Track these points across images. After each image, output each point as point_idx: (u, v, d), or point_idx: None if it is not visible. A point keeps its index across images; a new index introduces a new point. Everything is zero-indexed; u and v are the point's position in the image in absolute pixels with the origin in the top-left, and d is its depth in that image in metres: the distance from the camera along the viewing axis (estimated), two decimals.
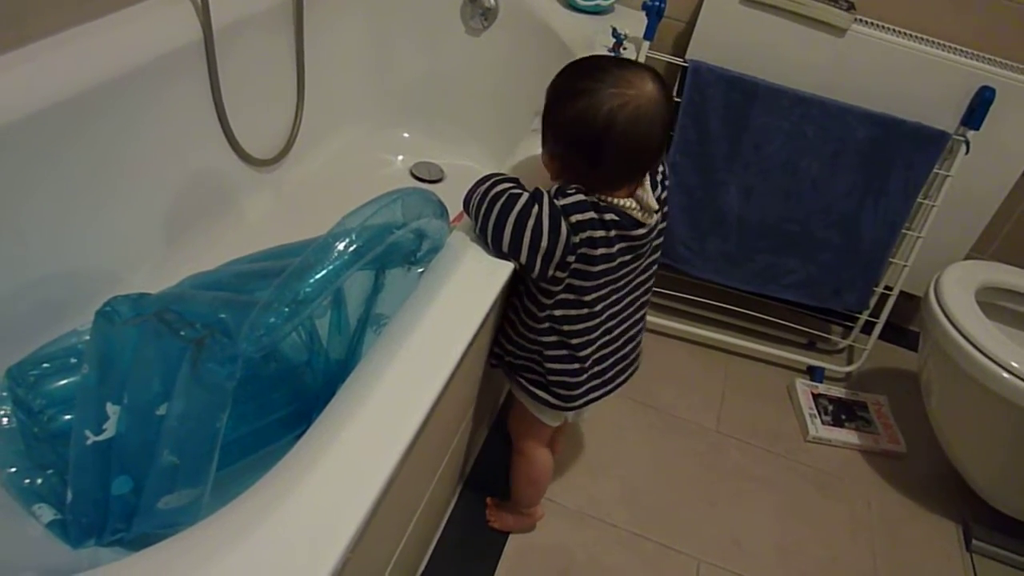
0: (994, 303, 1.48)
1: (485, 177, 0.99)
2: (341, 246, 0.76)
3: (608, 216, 0.92)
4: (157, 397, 0.80)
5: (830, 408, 1.67)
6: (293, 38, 1.55)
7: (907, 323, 1.95)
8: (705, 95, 1.54)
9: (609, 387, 1.11)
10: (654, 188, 0.98)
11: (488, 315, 0.92)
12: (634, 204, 0.94)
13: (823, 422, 1.63)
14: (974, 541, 1.47)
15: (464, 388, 1.08)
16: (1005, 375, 1.28)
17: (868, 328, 1.74)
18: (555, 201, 0.92)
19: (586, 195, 0.92)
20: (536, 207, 0.91)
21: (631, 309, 1.07)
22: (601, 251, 0.94)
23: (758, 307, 1.78)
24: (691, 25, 1.62)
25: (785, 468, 1.55)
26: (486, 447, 1.44)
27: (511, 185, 0.95)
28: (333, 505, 0.66)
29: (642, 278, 1.05)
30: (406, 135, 1.89)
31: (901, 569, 1.42)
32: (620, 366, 1.11)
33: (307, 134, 1.66)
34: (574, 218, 0.91)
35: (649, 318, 1.71)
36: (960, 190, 1.58)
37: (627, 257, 0.98)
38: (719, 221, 1.64)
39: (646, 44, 1.53)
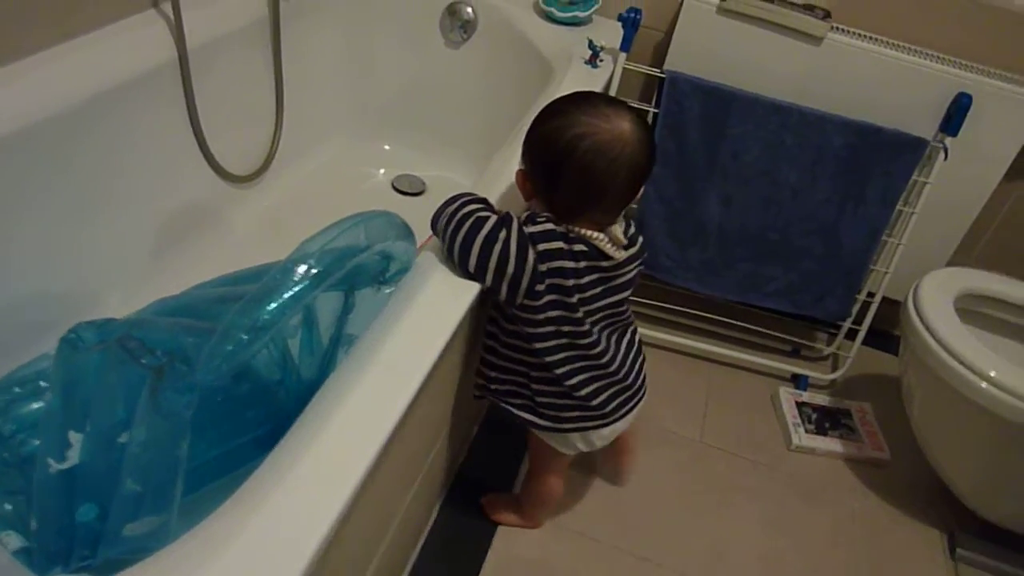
0: (974, 310, 1.48)
1: (453, 197, 0.99)
2: (301, 270, 0.76)
3: (577, 247, 0.93)
4: (119, 425, 0.80)
5: (814, 416, 1.66)
6: (271, 54, 1.56)
7: (892, 328, 1.94)
8: (682, 105, 1.54)
9: (612, 419, 1.10)
10: (625, 226, 0.99)
11: (455, 333, 0.91)
12: (602, 236, 0.94)
13: (806, 431, 1.63)
14: (958, 550, 1.46)
15: (435, 406, 1.07)
16: (983, 385, 1.27)
17: (852, 335, 1.74)
18: (524, 228, 0.92)
19: (555, 224, 0.93)
20: (504, 231, 0.90)
21: (615, 337, 1.07)
22: (572, 282, 0.94)
23: (741, 315, 1.78)
24: (669, 35, 1.62)
25: (769, 478, 1.54)
26: (473, 453, 1.44)
27: (479, 207, 0.95)
28: (295, 526, 0.66)
29: (619, 310, 1.05)
30: (387, 148, 1.90)
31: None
32: (622, 397, 1.09)
33: (288, 149, 1.67)
34: (541, 246, 0.91)
35: None
36: (940, 196, 1.58)
37: (598, 289, 0.97)
38: (699, 231, 1.63)
39: (622, 55, 1.53)
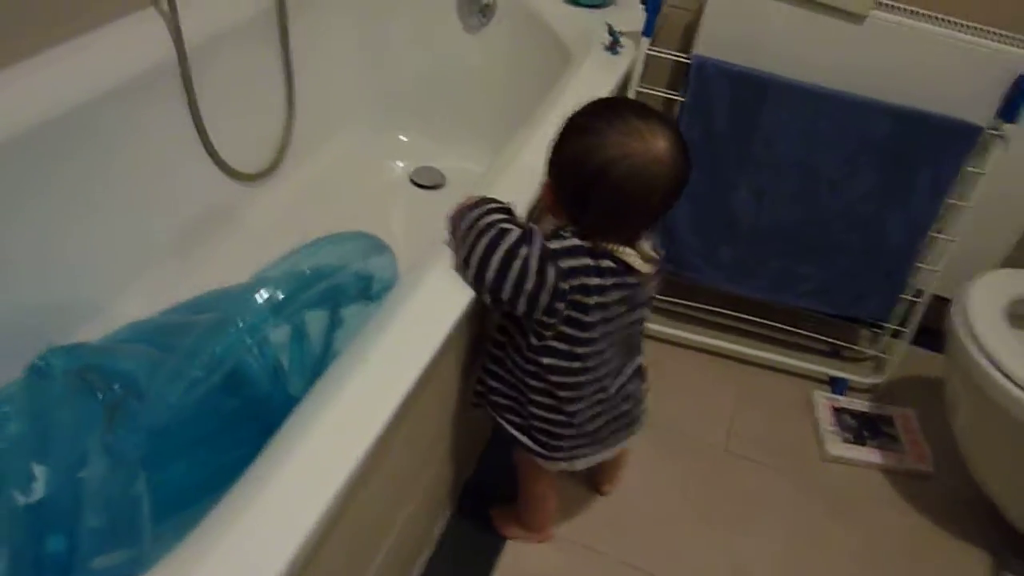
0: None
1: (477, 201, 0.94)
2: (260, 298, 0.71)
3: (604, 263, 0.89)
4: (79, 459, 0.78)
5: (852, 424, 1.56)
6: (278, 45, 1.51)
7: (942, 325, 1.80)
8: (711, 93, 1.44)
9: (601, 446, 1.06)
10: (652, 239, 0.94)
11: (444, 346, 0.86)
12: (630, 251, 0.90)
13: (843, 439, 1.53)
14: (1004, 573, 1.36)
15: (427, 420, 1.03)
16: None
17: (898, 334, 1.62)
18: (547, 244, 0.88)
19: (582, 240, 0.89)
20: (525, 248, 0.86)
21: (624, 360, 1.02)
22: (595, 299, 0.90)
23: (775, 313, 1.68)
24: (698, 16, 1.50)
25: (798, 491, 1.45)
26: (483, 465, 1.39)
27: (503, 217, 0.90)
28: (264, 548, 0.63)
29: (635, 329, 1.00)
30: (404, 139, 1.84)
31: None
32: (616, 425, 1.06)
33: (301, 144, 1.63)
34: (565, 263, 0.87)
35: (654, 324, 1.64)
36: (997, 188, 1.43)
37: (623, 308, 0.94)
38: (729, 226, 1.53)
39: (645, 41, 1.43)
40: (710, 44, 1.47)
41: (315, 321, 1.00)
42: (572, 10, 1.57)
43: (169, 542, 0.86)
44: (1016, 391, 1.18)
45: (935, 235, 1.50)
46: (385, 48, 1.74)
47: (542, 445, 1.03)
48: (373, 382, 0.79)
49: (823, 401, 1.59)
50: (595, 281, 0.88)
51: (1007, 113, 1.37)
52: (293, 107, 1.58)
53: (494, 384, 1.04)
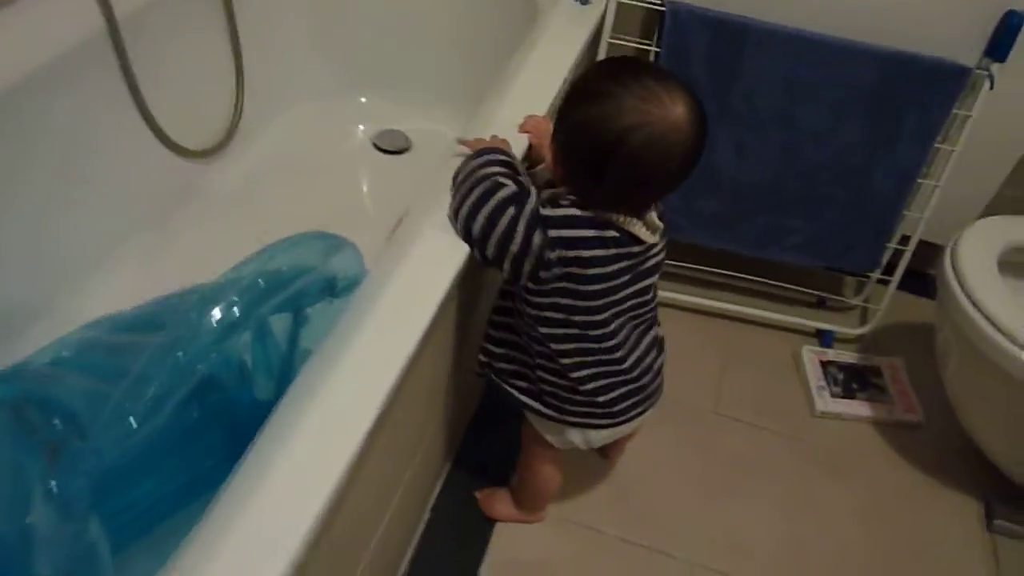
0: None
1: (482, 150, 0.90)
2: (214, 319, 0.64)
3: (608, 233, 0.84)
4: (23, 503, 0.71)
5: (840, 377, 1.53)
6: (222, 9, 1.39)
7: (927, 268, 1.78)
8: (687, 42, 1.36)
9: (619, 420, 1.01)
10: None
11: (426, 336, 0.80)
12: (636, 221, 0.85)
13: (832, 394, 1.50)
14: (996, 521, 1.35)
15: (413, 409, 0.97)
16: None
17: (884, 281, 1.59)
18: (540, 209, 0.82)
19: (581, 209, 0.83)
20: (515, 208, 0.81)
21: (637, 333, 0.96)
22: (594, 271, 0.85)
23: (759, 267, 1.63)
24: None
25: (790, 450, 1.43)
26: (465, 448, 1.35)
27: (501, 171, 0.86)
28: (259, 555, 0.59)
29: (644, 298, 0.94)
30: (364, 100, 1.73)
31: (917, 557, 1.31)
32: (634, 399, 1.00)
33: (254, 114, 1.52)
34: (559, 232, 0.82)
35: None
36: (983, 130, 1.38)
37: (626, 276, 0.88)
38: (710, 181, 1.47)
39: None
40: None
41: (278, 320, 0.93)
42: None
43: (145, 560, 0.81)
44: (1007, 344, 1.15)
45: (921, 180, 1.45)
46: (338, 5, 1.62)
47: (555, 409, 0.99)
48: (353, 382, 0.73)
49: (811, 356, 1.56)
50: (597, 253, 0.84)
51: (995, 51, 1.31)
52: (242, 74, 1.46)
53: (499, 351, 1.00)
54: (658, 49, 1.38)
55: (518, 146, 1.00)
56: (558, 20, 1.31)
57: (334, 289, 0.84)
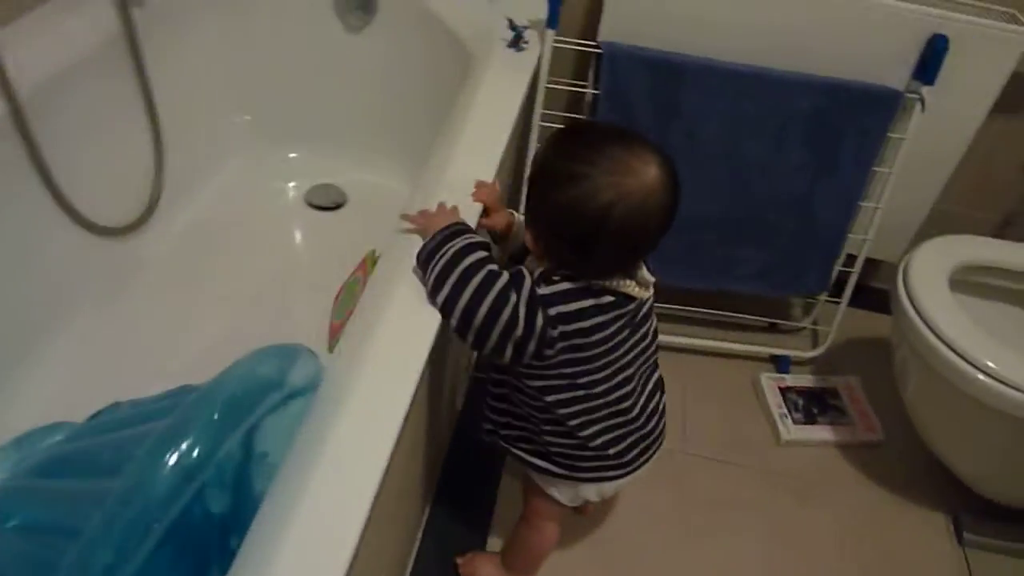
0: (975, 280, 1.34)
1: (450, 232, 0.85)
2: (170, 463, 0.57)
3: (604, 299, 0.84)
4: None
5: (800, 403, 1.53)
6: (133, 74, 1.30)
7: (869, 281, 1.81)
8: (626, 83, 1.34)
9: (631, 468, 0.99)
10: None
11: (400, 437, 0.74)
12: (628, 282, 0.85)
13: (795, 421, 1.50)
14: (965, 534, 1.37)
15: (392, 502, 0.90)
16: (980, 377, 1.14)
17: (832, 300, 1.60)
18: (536, 289, 0.82)
19: (573, 282, 0.83)
20: (514, 295, 0.80)
21: (641, 382, 0.96)
22: (596, 337, 0.84)
23: (708, 297, 1.62)
24: None
25: (760, 482, 1.42)
26: (435, 518, 1.28)
27: (485, 256, 0.84)
28: None
29: (644, 344, 0.94)
30: (293, 156, 1.65)
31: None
32: (642, 446, 0.99)
33: (177, 181, 1.43)
34: (558, 309, 0.82)
35: None
36: (918, 149, 1.41)
37: (626, 332, 0.88)
38: None
39: (550, 33, 1.31)
40: (616, 26, 1.36)
41: None
42: (464, 1, 1.42)
43: None
44: (963, 364, 1.16)
45: (862, 204, 1.46)
46: (258, 58, 1.53)
47: (567, 468, 0.97)
48: (337, 488, 0.66)
49: (769, 383, 1.56)
50: (596, 320, 0.83)
51: (924, 74, 1.34)
52: (161, 141, 1.37)
53: (502, 420, 1.00)
54: (596, 91, 1.36)
55: (470, 212, 0.95)
56: (494, 67, 1.26)
57: (288, 400, 0.77)
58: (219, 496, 0.89)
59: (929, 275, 1.26)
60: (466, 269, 0.80)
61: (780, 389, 1.55)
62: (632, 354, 0.91)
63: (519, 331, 0.80)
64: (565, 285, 0.82)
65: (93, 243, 1.27)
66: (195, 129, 1.49)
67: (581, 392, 0.88)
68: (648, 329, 0.93)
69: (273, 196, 1.60)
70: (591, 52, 1.37)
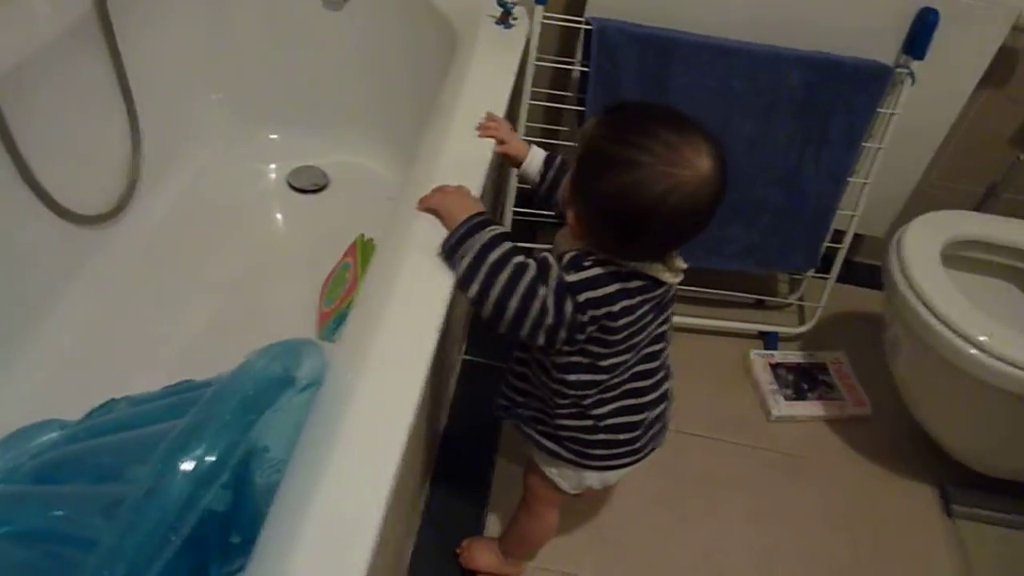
0: (966, 255, 1.35)
1: (474, 224, 0.84)
2: (184, 473, 0.54)
3: (633, 283, 0.83)
4: None
5: (790, 379, 1.54)
6: (107, 54, 1.25)
7: (854, 256, 1.81)
8: (616, 60, 1.32)
9: (640, 456, 1.00)
10: None
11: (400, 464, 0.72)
12: (662, 267, 0.84)
13: (785, 397, 1.51)
14: (954, 506, 1.39)
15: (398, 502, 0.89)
16: (973, 351, 1.15)
17: (819, 276, 1.60)
18: (564, 277, 0.82)
19: (603, 266, 0.82)
20: (543, 288, 0.81)
21: (656, 366, 0.95)
22: (623, 320, 0.84)
23: (695, 274, 1.61)
24: None
25: (752, 459, 1.43)
26: (431, 506, 1.27)
27: (510, 247, 0.83)
28: None
29: (664, 328, 0.94)
30: (274, 137, 1.61)
31: (884, 551, 1.33)
32: (652, 431, 0.99)
33: (155, 166, 1.38)
34: (587, 295, 0.82)
35: None
36: (905, 123, 1.41)
37: (650, 317, 0.88)
38: None
39: (539, 9, 1.29)
40: (603, 3, 1.34)
41: None
42: None
43: None
44: (956, 339, 1.17)
45: (850, 179, 1.46)
46: (236, 36, 1.49)
47: (575, 454, 0.97)
48: (348, 494, 0.64)
49: (759, 360, 1.57)
50: (624, 303, 0.83)
51: (913, 48, 1.33)
52: (136, 122, 1.32)
53: (520, 399, 1.01)
54: (584, 68, 1.34)
55: (472, 178, 0.94)
56: (483, 45, 1.23)
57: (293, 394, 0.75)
58: (221, 493, 0.87)
59: (922, 251, 1.26)
60: (494, 264, 0.81)
61: (770, 365, 1.56)
62: (653, 336, 0.91)
63: (550, 320, 0.80)
64: (595, 271, 0.82)
65: (71, 232, 1.23)
66: (172, 111, 1.44)
67: (603, 375, 0.89)
68: (669, 314, 0.93)
69: (254, 179, 1.56)
70: (577, 28, 1.34)
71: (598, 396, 0.91)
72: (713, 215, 0.81)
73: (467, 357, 1.48)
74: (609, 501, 1.32)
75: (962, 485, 1.41)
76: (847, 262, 1.63)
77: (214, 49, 1.48)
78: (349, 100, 1.56)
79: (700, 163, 0.76)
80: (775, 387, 1.52)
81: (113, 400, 0.80)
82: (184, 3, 1.40)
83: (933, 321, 1.19)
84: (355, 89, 1.55)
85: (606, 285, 0.81)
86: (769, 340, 1.63)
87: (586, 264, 0.82)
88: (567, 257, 0.83)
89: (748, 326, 1.63)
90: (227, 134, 1.56)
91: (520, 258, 0.82)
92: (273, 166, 1.58)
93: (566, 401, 0.92)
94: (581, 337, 0.83)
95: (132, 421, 0.70)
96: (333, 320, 1.25)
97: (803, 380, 1.55)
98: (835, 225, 1.54)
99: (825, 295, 1.60)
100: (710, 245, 1.50)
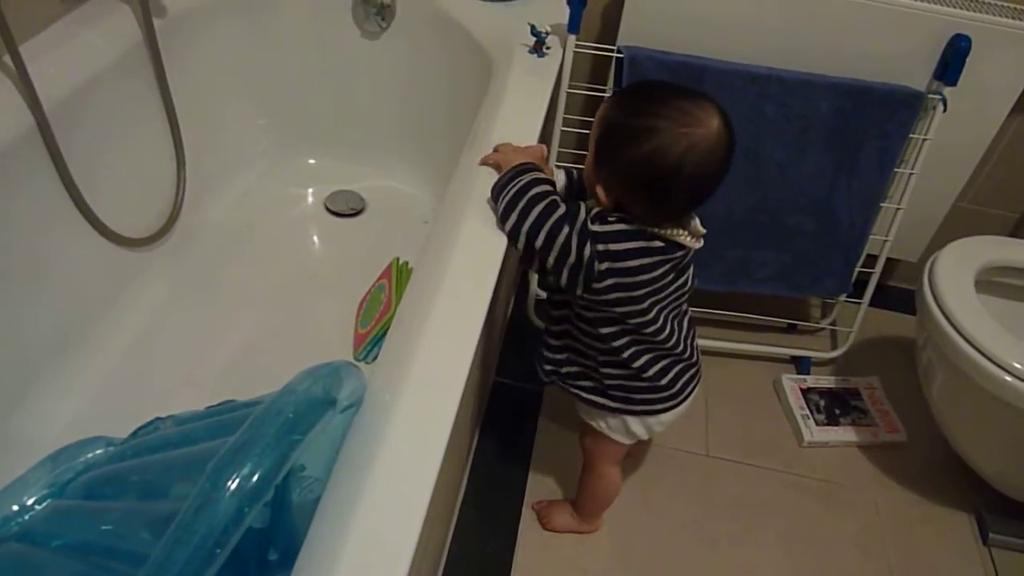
0: (1000, 281, 1.34)
1: (522, 168, 0.93)
2: (227, 491, 0.57)
3: (654, 244, 0.90)
4: None
5: (822, 404, 1.54)
6: (155, 83, 1.30)
7: (887, 280, 1.81)
8: None
9: (681, 399, 1.07)
10: None
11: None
12: (682, 231, 0.91)
13: (817, 422, 1.50)
14: (991, 535, 1.37)
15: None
16: (1008, 378, 1.14)
17: (852, 300, 1.60)
18: (590, 225, 0.89)
19: (628, 224, 0.89)
20: (567, 225, 0.88)
21: (678, 320, 1.03)
22: (641, 277, 0.91)
23: (726, 299, 1.62)
24: (619, 2, 1.39)
25: (784, 485, 1.42)
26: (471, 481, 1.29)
27: (550, 189, 0.91)
28: None
29: (685, 289, 1.00)
30: (312, 162, 1.65)
31: None
32: (688, 375, 1.07)
33: (197, 191, 1.42)
34: (606, 246, 0.89)
35: None
36: (938, 149, 1.41)
37: (671, 276, 0.95)
38: None
39: (572, 38, 1.31)
40: (636, 31, 1.37)
41: None
42: (483, 6, 1.42)
43: None
44: (990, 366, 1.16)
45: (883, 204, 1.46)
46: (278, 64, 1.53)
47: (622, 401, 1.05)
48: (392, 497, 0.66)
49: (791, 385, 1.56)
50: (642, 261, 0.90)
51: (946, 75, 1.34)
52: (182, 149, 1.37)
53: (561, 357, 1.07)
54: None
55: None
56: (517, 73, 1.26)
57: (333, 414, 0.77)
58: (261, 510, 0.89)
59: (955, 277, 1.25)
60: (531, 198, 0.88)
61: (802, 390, 1.55)
62: (673, 296, 0.97)
63: (572, 258, 0.87)
64: (619, 226, 0.89)
65: (117, 253, 1.27)
66: (215, 136, 1.49)
67: (631, 330, 0.96)
68: (689, 276, 0.99)
69: (292, 203, 1.60)
70: (609, 56, 1.36)
71: (633, 350, 0.98)
72: (727, 170, 0.87)
73: (499, 378, 1.50)
74: (641, 522, 1.33)
75: (998, 512, 1.39)
76: (880, 286, 1.62)
77: (256, 77, 1.53)
78: (386, 126, 1.60)
79: (711, 122, 0.84)
80: (807, 412, 1.51)
81: (159, 419, 0.83)
82: (228, 33, 1.45)
83: (967, 348, 1.18)
84: (392, 115, 1.59)
85: (628, 241, 0.88)
86: (801, 365, 1.62)
87: (611, 219, 0.89)
88: (595, 211, 0.91)
89: (780, 350, 1.63)
90: (268, 159, 1.61)
91: (555, 198, 0.89)
92: (311, 190, 1.61)
93: (606, 351, 1.00)
94: (598, 287, 0.89)
95: (177, 440, 0.72)
96: (369, 341, 1.28)
97: (836, 405, 1.54)
98: (868, 250, 1.54)
99: (858, 320, 1.59)
100: (741, 269, 1.51)
